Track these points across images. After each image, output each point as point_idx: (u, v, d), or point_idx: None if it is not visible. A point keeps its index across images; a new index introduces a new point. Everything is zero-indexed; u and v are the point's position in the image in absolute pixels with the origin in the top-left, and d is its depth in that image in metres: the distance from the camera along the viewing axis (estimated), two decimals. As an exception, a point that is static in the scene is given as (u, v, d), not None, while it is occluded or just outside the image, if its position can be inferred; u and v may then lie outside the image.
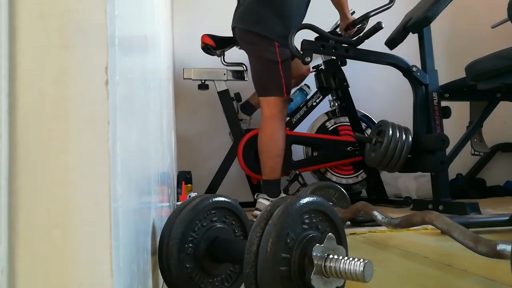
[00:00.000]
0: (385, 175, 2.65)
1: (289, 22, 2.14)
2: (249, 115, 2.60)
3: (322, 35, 2.20)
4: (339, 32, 2.40)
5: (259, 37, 2.12)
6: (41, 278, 0.30)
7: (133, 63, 0.45)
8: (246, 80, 2.63)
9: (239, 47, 2.40)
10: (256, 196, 2.15)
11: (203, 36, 2.53)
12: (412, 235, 1.41)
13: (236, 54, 2.70)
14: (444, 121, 2.12)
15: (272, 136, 2.09)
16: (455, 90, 2.16)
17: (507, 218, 1.38)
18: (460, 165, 2.91)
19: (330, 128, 2.70)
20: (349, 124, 2.69)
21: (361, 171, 2.67)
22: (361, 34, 2.22)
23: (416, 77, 2.12)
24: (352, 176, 2.69)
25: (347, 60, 2.61)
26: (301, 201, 0.51)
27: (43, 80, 0.31)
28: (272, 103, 2.10)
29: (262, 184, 2.18)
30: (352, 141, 2.59)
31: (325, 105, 2.74)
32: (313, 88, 2.71)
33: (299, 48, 2.06)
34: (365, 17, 2.26)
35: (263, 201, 2.06)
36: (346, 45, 2.13)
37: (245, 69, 2.63)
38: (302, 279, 0.49)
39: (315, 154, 2.69)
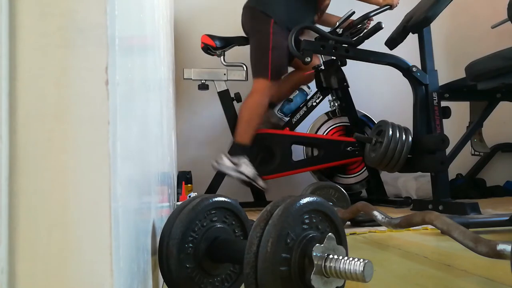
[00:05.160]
0: (385, 175, 2.65)
1: (293, 4, 2.32)
2: None
3: (322, 35, 2.21)
4: (340, 32, 2.40)
5: (257, 12, 2.30)
6: (41, 278, 0.30)
7: (133, 63, 0.45)
8: (246, 80, 2.63)
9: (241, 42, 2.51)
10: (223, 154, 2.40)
11: (203, 36, 2.53)
12: (412, 235, 1.41)
13: (236, 54, 2.70)
14: (444, 121, 2.12)
15: (248, 105, 2.39)
16: (455, 90, 2.16)
17: (507, 218, 1.38)
18: (460, 165, 2.91)
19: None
20: (336, 126, 2.70)
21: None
22: (361, 34, 2.22)
23: (416, 77, 2.12)
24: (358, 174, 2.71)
25: (347, 60, 2.61)
26: (301, 201, 0.52)
27: (43, 80, 0.31)
28: (260, 84, 2.39)
29: (231, 144, 2.44)
30: (352, 141, 2.59)
31: (325, 105, 2.74)
32: (313, 88, 2.71)
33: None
34: (365, 17, 2.27)
35: (224, 158, 2.36)
36: (346, 45, 2.13)
37: (245, 69, 2.62)
38: (302, 279, 0.49)
39: (315, 154, 2.69)
